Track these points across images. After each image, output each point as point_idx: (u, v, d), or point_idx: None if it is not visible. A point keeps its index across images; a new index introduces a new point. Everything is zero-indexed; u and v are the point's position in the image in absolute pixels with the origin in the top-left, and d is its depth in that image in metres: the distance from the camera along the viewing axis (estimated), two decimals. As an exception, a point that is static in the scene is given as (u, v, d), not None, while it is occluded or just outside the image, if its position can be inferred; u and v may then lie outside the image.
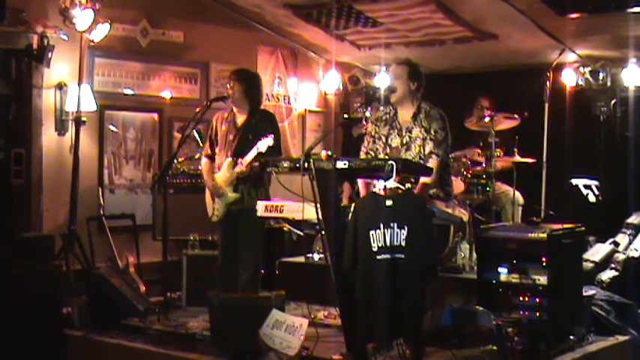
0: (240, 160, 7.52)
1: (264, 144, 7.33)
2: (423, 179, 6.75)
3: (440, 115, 7.11)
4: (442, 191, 7.24)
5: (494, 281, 6.61)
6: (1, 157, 8.64)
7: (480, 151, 9.21)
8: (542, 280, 6.41)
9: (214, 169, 7.84)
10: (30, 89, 8.85)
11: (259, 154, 7.32)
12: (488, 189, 8.64)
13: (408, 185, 6.43)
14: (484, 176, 8.69)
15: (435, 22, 9.46)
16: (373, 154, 7.25)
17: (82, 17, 8.48)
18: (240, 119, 7.78)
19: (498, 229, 7.09)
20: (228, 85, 7.79)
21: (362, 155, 7.31)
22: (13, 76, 8.84)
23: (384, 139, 7.21)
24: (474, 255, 7.67)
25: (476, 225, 8.16)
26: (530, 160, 9.20)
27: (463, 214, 7.96)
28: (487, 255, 6.80)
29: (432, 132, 7.01)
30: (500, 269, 6.59)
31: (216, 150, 7.86)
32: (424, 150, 7.00)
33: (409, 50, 10.10)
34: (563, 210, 9.12)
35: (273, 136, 7.40)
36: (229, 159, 7.63)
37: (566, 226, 6.90)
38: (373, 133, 7.33)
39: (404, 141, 7.10)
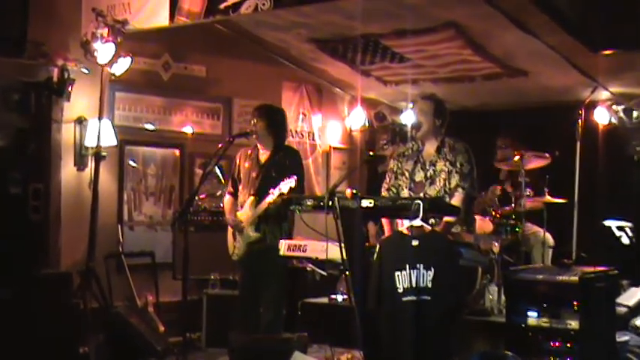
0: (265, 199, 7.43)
1: (286, 185, 7.26)
2: (446, 218, 6.64)
3: (465, 148, 7.05)
4: (467, 225, 7.14)
5: (523, 325, 6.61)
6: (18, 192, 8.58)
7: (500, 188, 9.13)
8: (574, 324, 6.37)
9: (237, 207, 7.74)
10: (49, 123, 8.83)
11: (281, 194, 7.23)
12: (517, 229, 8.57)
13: (432, 221, 6.32)
14: (513, 216, 8.60)
15: (463, 57, 9.37)
16: (395, 191, 7.21)
17: (104, 50, 8.38)
18: (264, 156, 7.69)
19: (528, 271, 7.08)
20: (252, 122, 7.70)
21: (383, 192, 7.27)
22: (32, 110, 8.80)
23: (407, 174, 7.15)
24: (503, 297, 7.61)
25: (504, 267, 8.07)
26: (561, 201, 9.12)
27: (494, 245, 7.85)
28: (516, 298, 6.79)
29: (458, 165, 6.96)
30: (529, 313, 6.59)
31: (239, 187, 7.77)
32: (449, 183, 6.94)
33: (437, 86, 10.02)
34: (595, 252, 9.02)
35: (296, 177, 7.31)
36: (252, 197, 7.54)
37: (598, 269, 6.89)
38: (395, 169, 7.26)
39: (428, 175, 7.04)
